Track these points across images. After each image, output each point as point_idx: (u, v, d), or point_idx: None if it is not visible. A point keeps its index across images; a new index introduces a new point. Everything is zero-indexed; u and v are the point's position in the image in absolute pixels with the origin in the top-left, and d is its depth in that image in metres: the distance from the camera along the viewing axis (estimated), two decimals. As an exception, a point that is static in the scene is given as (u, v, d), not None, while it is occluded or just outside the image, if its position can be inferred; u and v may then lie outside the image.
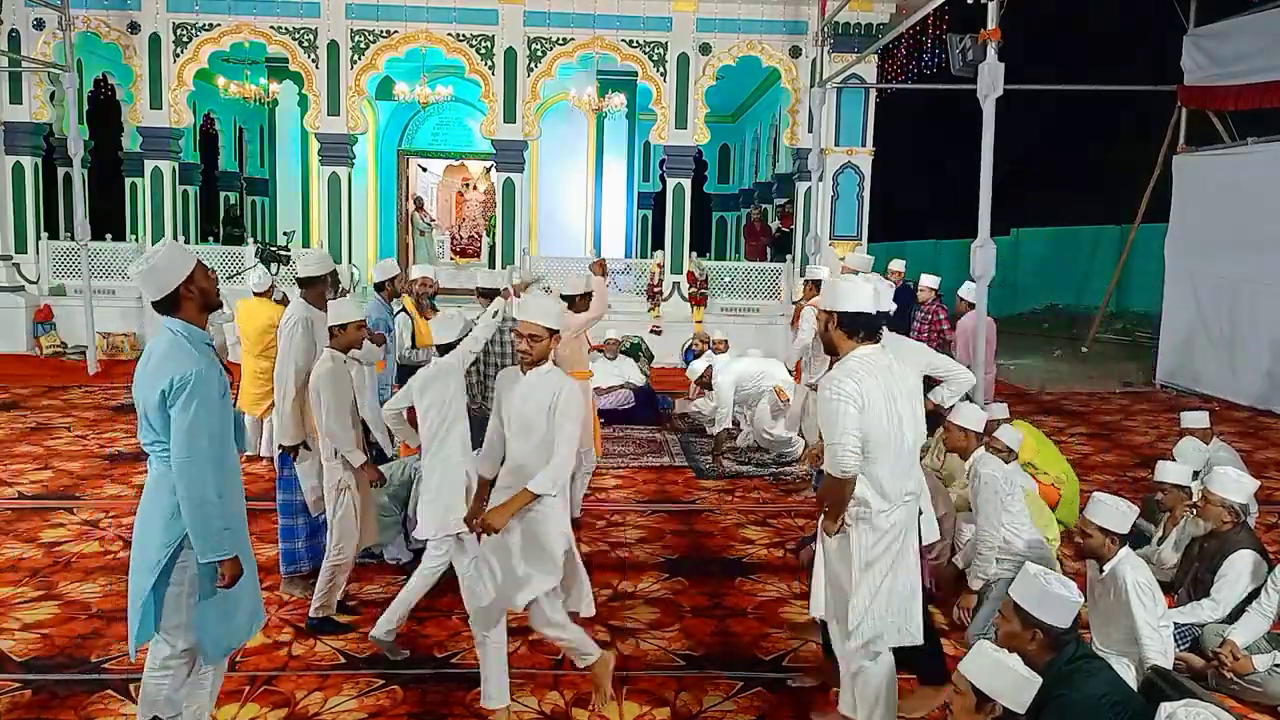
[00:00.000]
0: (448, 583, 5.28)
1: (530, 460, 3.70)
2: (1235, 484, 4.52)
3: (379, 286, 6.92)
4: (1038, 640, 3.04)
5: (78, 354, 12.69)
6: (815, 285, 7.48)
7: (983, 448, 4.79)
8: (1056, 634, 3.04)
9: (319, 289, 5.25)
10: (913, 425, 3.40)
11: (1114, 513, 3.93)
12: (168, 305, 3.10)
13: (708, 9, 13.31)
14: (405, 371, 6.85)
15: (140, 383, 3.09)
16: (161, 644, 3.19)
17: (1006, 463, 4.82)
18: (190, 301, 3.12)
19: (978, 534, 4.68)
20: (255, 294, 8.07)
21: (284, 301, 8.40)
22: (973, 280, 7.61)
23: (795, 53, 13.54)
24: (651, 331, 13.18)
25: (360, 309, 4.88)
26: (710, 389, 8.50)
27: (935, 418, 6.35)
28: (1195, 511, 4.74)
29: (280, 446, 4.96)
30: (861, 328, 3.40)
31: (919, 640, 3.49)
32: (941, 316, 8.76)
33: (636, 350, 11.71)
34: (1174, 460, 5.66)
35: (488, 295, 6.34)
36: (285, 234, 15.69)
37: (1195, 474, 5.55)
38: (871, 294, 3.41)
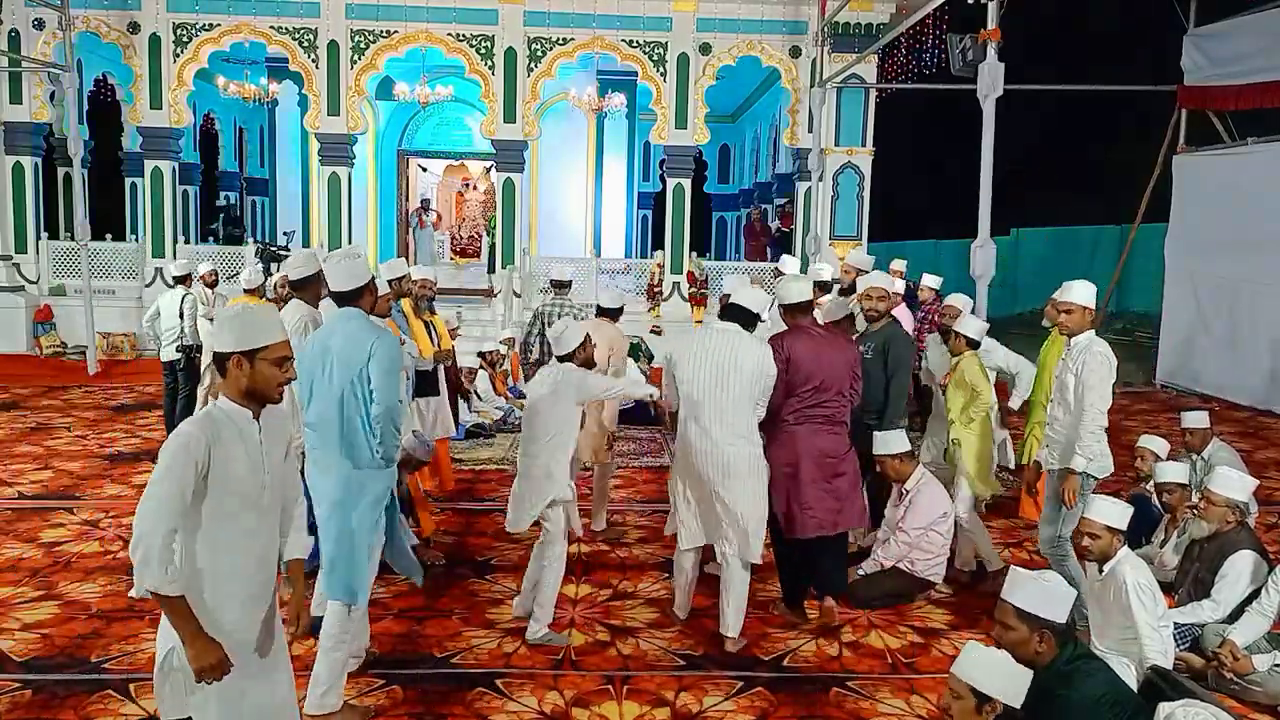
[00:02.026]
0: (447, 582, 5.29)
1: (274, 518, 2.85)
2: (1238, 483, 4.52)
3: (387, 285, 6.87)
4: (1046, 640, 3.03)
5: (78, 354, 12.69)
6: (821, 287, 7.38)
7: (1092, 330, 4.67)
8: (1060, 630, 3.04)
9: (314, 289, 5.21)
10: (737, 386, 4.45)
11: (1117, 509, 3.96)
12: (350, 296, 3.92)
13: (708, 9, 13.30)
14: (419, 376, 6.82)
15: (328, 360, 3.77)
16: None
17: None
18: (369, 295, 3.99)
19: (1087, 413, 4.47)
20: (246, 291, 8.04)
21: (276, 299, 8.39)
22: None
23: (795, 53, 13.53)
24: (652, 331, 13.17)
25: None
26: None
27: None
28: (1196, 513, 4.73)
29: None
30: (731, 314, 4.67)
31: (730, 551, 4.56)
32: (942, 316, 8.75)
33: (636, 351, 11.70)
34: (1152, 451, 5.84)
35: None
36: (285, 234, 15.69)
37: (1158, 456, 5.79)
38: (750, 290, 4.71)
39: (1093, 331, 4.69)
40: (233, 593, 2.66)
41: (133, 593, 2.52)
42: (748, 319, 4.62)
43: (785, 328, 4.81)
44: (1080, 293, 4.68)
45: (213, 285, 9.25)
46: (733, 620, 4.55)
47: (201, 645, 2.55)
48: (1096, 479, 4.65)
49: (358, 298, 3.92)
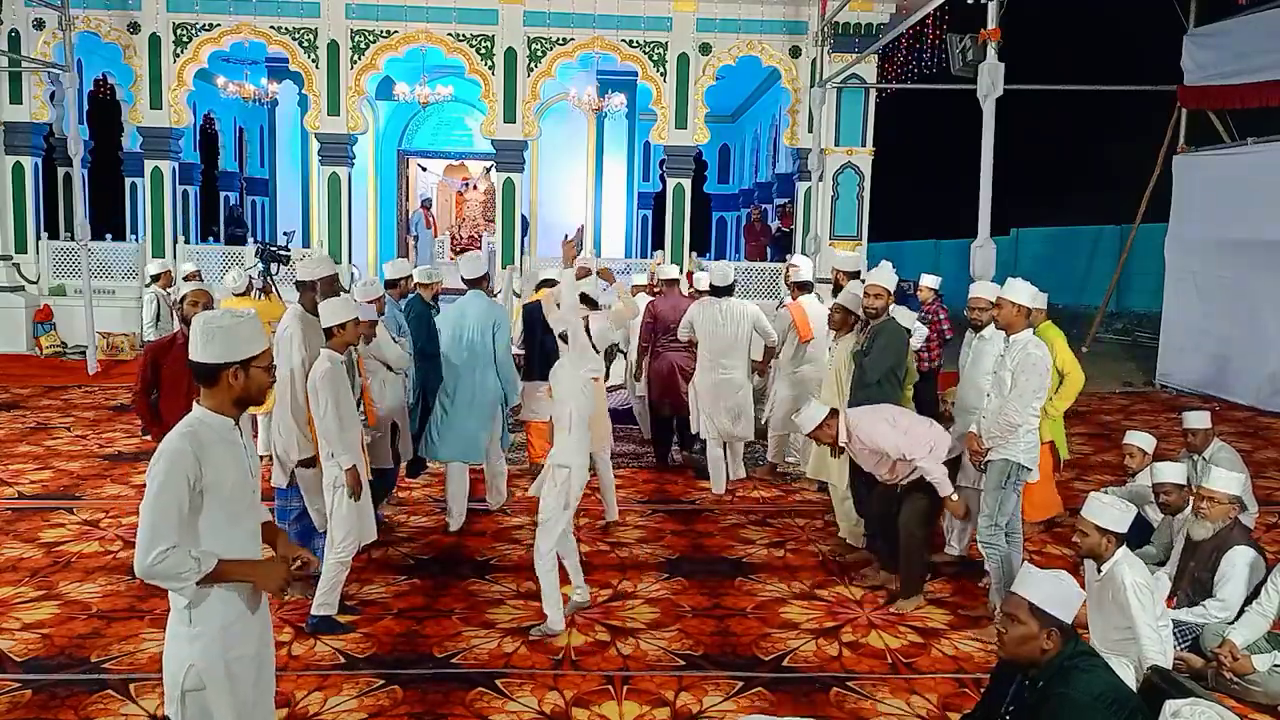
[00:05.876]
0: (447, 582, 5.30)
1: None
2: (1234, 479, 4.53)
3: (390, 284, 6.86)
4: (1053, 639, 3.01)
5: (78, 354, 12.69)
6: (800, 287, 7.73)
7: (1031, 329, 4.82)
8: (1067, 629, 3.03)
9: (309, 294, 5.21)
10: (735, 335, 7.10)
11: (1112, 512, 3.91)
12: (478, 280, 6.23)
13: (708, 9, 13.31)
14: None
15: (466, 322, 6.06)
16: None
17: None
18: (486, 282, 6.31)
19: (1010, 403, 4.66)
20: (234, 294, 8.07)
21: (265, 291, 8.45)
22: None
23: (795, 53, 13.54)
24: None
25: (353, 307, 4.84)
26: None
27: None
28: (1199, 514, 4.67)
29: (298, 463, 4.93)
30: (720, 290, 7.18)
31: (723, 439, 7.19)
32: (942, 316, 8.73)
33: (636, 350, 11.68)
34: (1139, 447, 5.86)
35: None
36: (285, 234, 15.69)
37: (1145, 452, 5.85)
38: (729, 274, 7.26)
39: (1030, 330, 4.82)
40: (234, 598, 2.60)
41: (181, 604, 2.46)
42: (728, 289, 7.21)
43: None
44: (1015, 291, 4.80)
45: None
46: (732, 470, 7.34)
47: (263, 569, 2.59)
48: (1029, 469, 4.80)
49: (480, 284, 6.15)
